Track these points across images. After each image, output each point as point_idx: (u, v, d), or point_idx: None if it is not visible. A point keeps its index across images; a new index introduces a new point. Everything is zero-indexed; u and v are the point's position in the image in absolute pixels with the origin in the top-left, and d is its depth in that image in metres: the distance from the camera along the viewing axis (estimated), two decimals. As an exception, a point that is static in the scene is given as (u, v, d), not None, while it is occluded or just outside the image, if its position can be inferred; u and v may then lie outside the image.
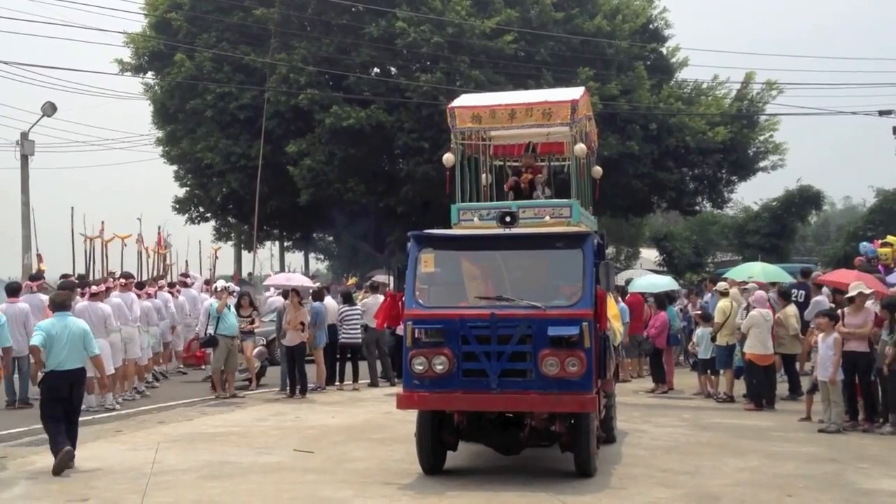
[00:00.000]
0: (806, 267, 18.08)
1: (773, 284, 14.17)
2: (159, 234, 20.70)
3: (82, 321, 9.10)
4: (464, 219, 8.53)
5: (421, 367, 7.56)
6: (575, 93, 8.87)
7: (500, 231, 7.90)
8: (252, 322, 14.45)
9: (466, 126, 8.78)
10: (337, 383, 14.91)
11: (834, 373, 10.01)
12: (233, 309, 13.98)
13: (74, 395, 8.46)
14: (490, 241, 8.06)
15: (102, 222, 15.96)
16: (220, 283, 15.53)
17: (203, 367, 16.48)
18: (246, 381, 14.50)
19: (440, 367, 7.50)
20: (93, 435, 10.24)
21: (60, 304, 8.85)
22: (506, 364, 7.46)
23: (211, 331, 13.62)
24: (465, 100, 9.36)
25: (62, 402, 8.30)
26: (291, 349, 13.71)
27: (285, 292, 15.49)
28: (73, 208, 15.80)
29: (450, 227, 8.59)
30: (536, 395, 7.43)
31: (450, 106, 8.93)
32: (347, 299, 15.41)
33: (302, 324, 13.69)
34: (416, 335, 7.60)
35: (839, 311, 10.53)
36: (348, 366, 15.15)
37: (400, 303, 7.96)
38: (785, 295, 12.73)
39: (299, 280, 17.11)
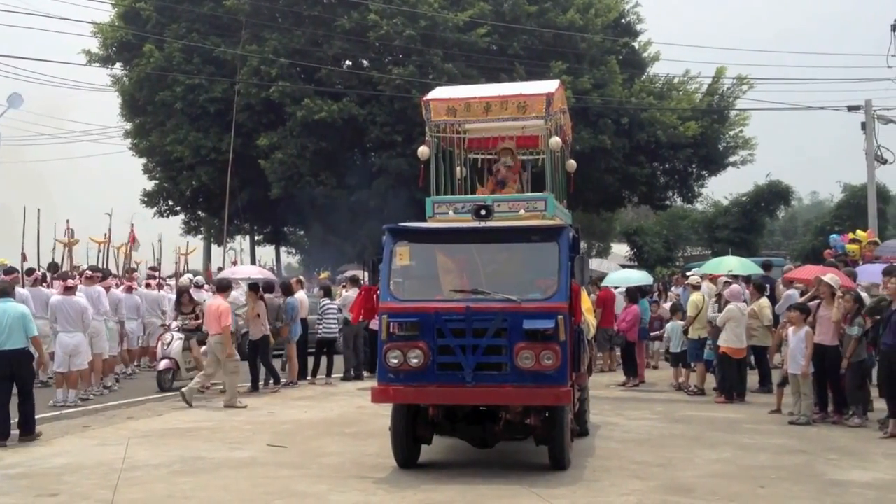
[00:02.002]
0: (766, 261, 18.36)
1: (736, 277, 14.35)
2: (132, 230, 20.23)
3: (22, 306, 9.79)
4: (438, 212, 8.47)
5: (396, 361, 7.52)
6: (550, 86, 8.85)
7: (476, 224, 7.86)
8: (197, 319, 13.91)
9: (441, 119, 8.71)
10: (309, 377, 14.82)
11: (806, 366, 10.15)
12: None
13: (18, 373, 9.23)
14: (465, 235, 8.03)
15: (67, 220, 15.62)
16: (189, 278, 15.33)
17: None
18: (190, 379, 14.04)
19: (415, 361, 7.47)
20: (61, 430, 10.13)
21: (3, 292, 9.59)
22: (481, 357, 7.44)
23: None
24: (440, 92, 9.31)
25: (7, 382, 9.15)
26: (255, 343, 13.61)
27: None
28: (24, 207, 15.50)
29: (424, 221, 8.55)
30: (511, 388, 7.43)
31: (424, 98, 8.87)
32: (327, 293, 15.31)
33: (258, 316, 13.57)
34: (392, 329, 7.57)
35: (811, 305, 10.66)
36: (323, 360, 15.04)
37: (375, 296, 7.91)
38: (759, 287, 12.89)
39: (244, 272, 16.88)
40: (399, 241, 7.94)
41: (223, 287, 12.89)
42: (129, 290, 15.42)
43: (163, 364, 13.59)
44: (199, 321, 13.88)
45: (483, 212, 7.84)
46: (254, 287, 14.06)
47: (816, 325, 10.19)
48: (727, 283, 13.07)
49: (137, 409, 11.78)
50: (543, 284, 7.68)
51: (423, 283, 8.03)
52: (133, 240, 19.98)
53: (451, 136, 9.18)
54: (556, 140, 8.55)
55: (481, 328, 7.43)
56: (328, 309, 14.85)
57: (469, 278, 7.92)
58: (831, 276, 10.28)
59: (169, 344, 13.66)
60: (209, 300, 13.21)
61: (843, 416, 10.29)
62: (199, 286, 16.62)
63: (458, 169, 9.76)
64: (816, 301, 10.54)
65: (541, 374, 7.36)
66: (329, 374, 14.90)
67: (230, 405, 11.86)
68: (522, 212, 8.28)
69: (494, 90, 9.24)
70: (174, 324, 14.04)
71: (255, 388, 13.65)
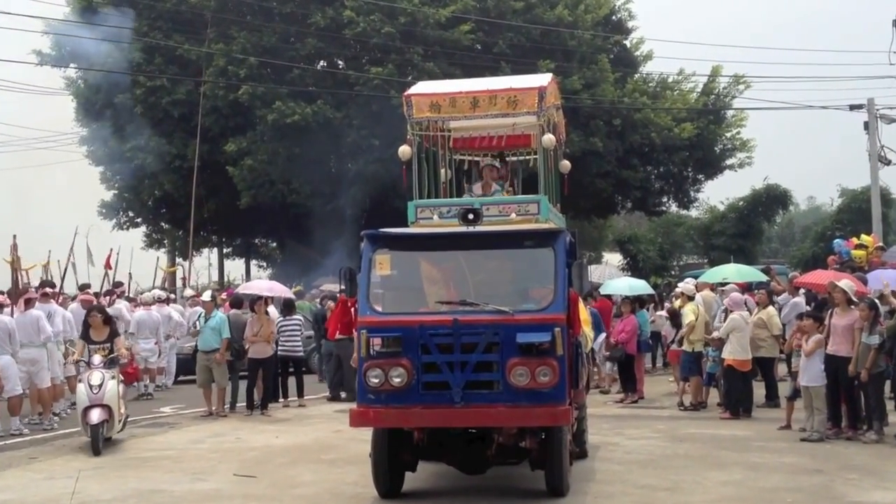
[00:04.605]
0: (766, 267, 18.41)
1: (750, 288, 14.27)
2: (109, 255, 19.81)
3: None
4: (422, 217, 8.30)
5: (377, 380, 7.30)
6: (543, 79, 8.69)
7: (463, 229, 7.68)
8: (110, 350, 10.85)
9: (424, 116, 8.51)
10: (282, 399, 14.56)
11: (810, 346, 10.09)
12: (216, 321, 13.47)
13: None
14: (452, 241, 7.84)
15: (14, 236, 15.25)
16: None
17: (135, 384, 15.95)
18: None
19: (398, 380, 7.26)
20: (4, 462, 9.77)
21: None
22: (470, 375, 7.25)
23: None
24: (423, 87, 9.12)
25: None
26: (258, 362, 13.42)
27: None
28: None
29: (406, 227, 8.32)
30: (504, 408, 7.24)
31: (406, 94, 8.68)
32: (288, 309, 15.00)
33: (272, 333, 13.61)
34: (371, 345, 7.36)
35: (826, 312, 10.53)
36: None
37: (352, 309, 7.66)
38: (769, 295, 12.82)
39: (281, 289, 16.49)
40: (379, 249, 7.73)
41: None
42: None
43: (96, 416, 10.16)
44: (114, 352, 10.93)
45: (471, 216, 7.67)
46: (265, 302, 13.92)
47: (830, 335, 10.08)
48: (724, 293, 12.98)
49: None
50: (538, 294, 7.51)
51: (405, 295, 7.85)
52: (108, 263, 19.61)
53: (434, 134, 8.96)
54: (549, 137, 8.35)
55: (470, 343, 7.24)
56: (285, 326, 14.52)
57: (456, 288, 7.73)
58: (846, 282, 10.16)
59: (100, 386, 10.30)
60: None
61: (858, 431, 10.19)
62: (161, 300, 16.28)
63: (442, 171, 9.55)
64: (829, 309, 10.41)
65: (537, 392, 7.17)
66: (300, 394, 14.62)
67: None
68: (513, 215, 8.13)
69: (482, 84, 9.04)
70: (97, 358, 10.70)
71: (250, 408, 13.54)
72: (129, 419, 11.44)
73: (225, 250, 39.11)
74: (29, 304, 12.42)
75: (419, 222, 8.26)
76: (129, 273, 22.05)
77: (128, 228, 32.74)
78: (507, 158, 9.93)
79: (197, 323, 13.63)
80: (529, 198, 8.41)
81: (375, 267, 7.63)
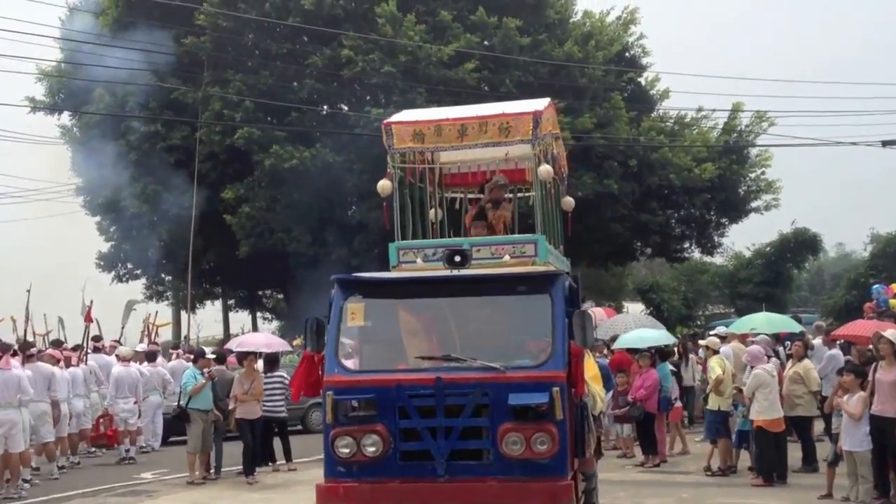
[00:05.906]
0: (794, 315, 17.72)
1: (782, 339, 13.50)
2: (89, 308, 19.43)
3: None
4: (405, 260, 7.58)
5: (347, 450, 6.61)
6: (538, 104, 7.99)
7: (448, 273, 6.97)
8: None
9: (406, 146, 7.84)
10: (270, 463, 13.85)
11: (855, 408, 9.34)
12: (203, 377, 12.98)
13: None
14: (435, 287, 7.15)
15: None
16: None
17: (116, 446, 15.49)
18: None
19: (372, 450, 6.58)
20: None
21: None
22: (456, 443, 6.57)
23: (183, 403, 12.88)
24: (407, 115, 8.45)
25: None
26: (250, 423, 12.92)
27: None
28: None
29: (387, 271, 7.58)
30: (495, 482, 6.53)
31: (385, 122, 8.00)
32: (271, 365, 14.26)
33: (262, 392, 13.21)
34: (341, 408, 6.62)
35: (871, 366, 9.69)
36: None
37: (319, 367, 6.88)
38: (805, 346, 12.07)
39: (279, 344, 15.67)
40: (351, 296, 7.03)
41: None
42: (68, 363, 14.61)
43: None
44: None
45: (457, 258, 6.97)
46: (254, 357, 13.64)
47: (875, 392, 9.24)
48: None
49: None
50: (534, 347, 6.82)
51: (381, 349, 7.21)
52: (89, 316, 19.17)
53: (418, 167, 8.25)
54: (546, 168, 7.60)
55: (456, 405, 6.55)
56: (267, 384, 13.71)
57: (440, 341, 7.04)
58: (893, 333, 9.33)
59: None
60: None
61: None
62: (123, 358, 15.64)
63: (431, 210, 8.85)
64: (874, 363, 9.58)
65: (533, 463, 6.45)
66: (288, 458, 13.87)
67: None
68: (507, 257, 7.36)
69: (471, 110, 8.37)
70: None
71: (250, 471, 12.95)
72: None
73: (229, 302, 38.61)
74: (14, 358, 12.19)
75: (401, 266, 7.56)
76: (122, 328, 21.47)
77: (127, 281, 32.31)
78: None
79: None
80: (525, 237, 7.64)
81: (347, 317, 6.95)
